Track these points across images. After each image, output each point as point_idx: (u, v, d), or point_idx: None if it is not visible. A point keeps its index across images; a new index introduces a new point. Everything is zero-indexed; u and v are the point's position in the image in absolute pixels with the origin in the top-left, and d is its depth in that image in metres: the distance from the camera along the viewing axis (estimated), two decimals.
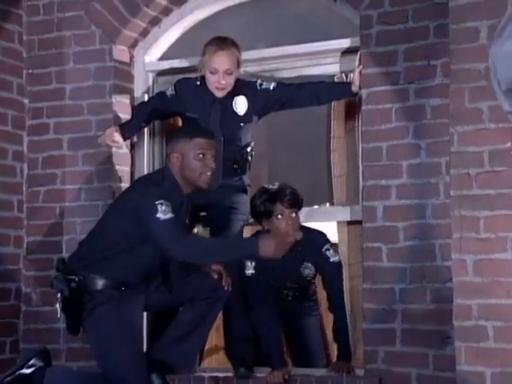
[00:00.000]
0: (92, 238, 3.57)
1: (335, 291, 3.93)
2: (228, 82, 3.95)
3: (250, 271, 3.93)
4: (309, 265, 4.00)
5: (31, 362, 3.49)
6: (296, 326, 4.19)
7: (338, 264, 3.96)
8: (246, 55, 4.04)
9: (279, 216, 3.89)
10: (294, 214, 3.90)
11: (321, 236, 4.01)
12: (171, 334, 3.61)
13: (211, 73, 3.93)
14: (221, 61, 3.91)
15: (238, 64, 3.96)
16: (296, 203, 3.91)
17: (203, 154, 3.52)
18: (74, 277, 3.42)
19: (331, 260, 3.93)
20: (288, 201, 3.88)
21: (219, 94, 3.97)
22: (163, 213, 3.35)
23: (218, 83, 3.93)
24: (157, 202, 3.35)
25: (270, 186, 3.96)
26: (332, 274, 3.94)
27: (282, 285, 4.06)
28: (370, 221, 3.82)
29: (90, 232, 3.63)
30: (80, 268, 3.46)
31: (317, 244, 3.96)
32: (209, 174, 3.54)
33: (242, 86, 4.00)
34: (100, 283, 3.44)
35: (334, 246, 4.05)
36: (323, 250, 3.93)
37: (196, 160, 3.52)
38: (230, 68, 3.92)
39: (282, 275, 4.00)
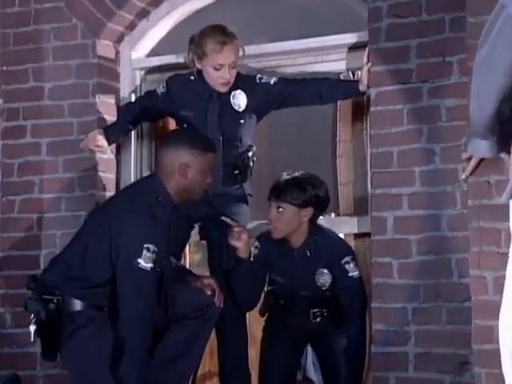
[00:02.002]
0: (70, 256, 3.53)
1: (352, 310, 3.80)
2: (233, 76, 3.97)
3: None
4: (325, 271, 3.83)
5: None
6: (330, 352, 3.96)
7: (358, 280, 3.82)
8: None
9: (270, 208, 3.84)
10: (279, 209, 3.77)
11: (342, 245, 3.91)
12: (158, 359, 3.57)
13: (215, 69, 3.94)
14: (226, 56, 3.92)
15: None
16: (274, 194, 3.80)
17: (209, 170, 3.59)
18: (51, 297, 3.40)
19: (350, 275, 3.79)
20: (270, 190, 3.82)
21: (223, 90, 3.98)
22: (145, 259, 3.36)
23: (224, 78, 3.95)
24: (145, 245, 3.36)
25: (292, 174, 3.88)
26: (349, 290, 3.80)
27: (295, 295, 3.89)
28: (379, 233, 3.81)
29: (67, 246, 3.60)
30: (57, 287, 3.43)
31: (336, 254, 3.82)
32: (206, 188, 3.63)
33: (240, 81, 4.01)
34: (80, 304, 3.42)
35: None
36: (342, 262, 3.79)
37: (202, 175, 3.56)
38: (235, 61, 3.95)
39: (296, 285, 3.86)
